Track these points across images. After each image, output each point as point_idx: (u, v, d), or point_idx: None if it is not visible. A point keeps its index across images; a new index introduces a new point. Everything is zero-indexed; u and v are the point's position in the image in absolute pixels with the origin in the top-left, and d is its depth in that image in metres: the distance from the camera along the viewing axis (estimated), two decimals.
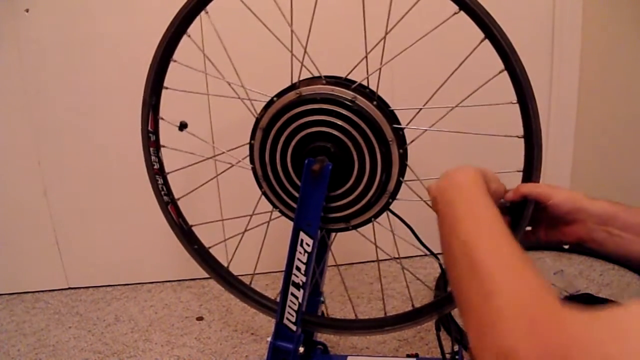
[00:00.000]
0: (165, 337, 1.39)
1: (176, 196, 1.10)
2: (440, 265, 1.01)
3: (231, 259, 1.12)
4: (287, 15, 0.90)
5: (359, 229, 0.97)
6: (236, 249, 1.09)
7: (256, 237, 1.06)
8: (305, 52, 0.90)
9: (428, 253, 0.96)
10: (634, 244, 0.68)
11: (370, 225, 0.97)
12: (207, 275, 1.13)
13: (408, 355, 1.17)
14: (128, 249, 1.62)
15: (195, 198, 1.13)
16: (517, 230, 0.78)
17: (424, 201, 0.89)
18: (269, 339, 1.00)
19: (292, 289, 0.96)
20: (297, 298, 0.96)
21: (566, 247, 1.64)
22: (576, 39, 1.53)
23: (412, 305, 1.02)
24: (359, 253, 1.62)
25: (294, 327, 0.98)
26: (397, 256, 1.06)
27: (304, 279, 0.95)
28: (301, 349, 0.99)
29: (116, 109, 1.46)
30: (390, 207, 0.94)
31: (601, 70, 1.57)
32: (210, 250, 1.13)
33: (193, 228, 1.12)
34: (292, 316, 0.98)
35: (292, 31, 0.91)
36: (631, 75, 1.59)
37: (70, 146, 1.51)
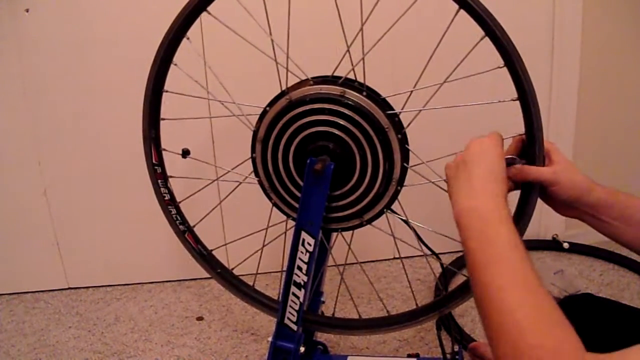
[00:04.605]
0: (165, 337, 1.39)
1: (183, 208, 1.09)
2: (442, 265, 1.01)
3: (255, 279, 1.11)
4: (265, 26, 0.91)
5: (373, 223, 0.96)
6: (258, 266, 1.09)
7: (257, 238, 1.06)
8: (287, 57, 0.91)
9: (430, 253, 0.96)
10: (623, 232, 0.72)
11: (369, 226, 0.96)
12: (207, 275, 1.13)
13: (409, 355, 1.18)
14: (128, 249, 1.62)
15: (196, 204, 1.12)
16: (523, 217, 0.81)
17: (432, 182, 0.88)
18: (270, 338, 1.00)
19: (293, 288, 0.96)
20: (298, 298, 0.97)
21: (566, 247, 1.64)
22: (576, 39, 1.53)
23: (440, 291, 0.99)
24: (359, 253, 1.61)
25: (295, 327, 0.98)
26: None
27: (305, 278, 0.95)
28: (302, 349, 0.99)
29: (116, 108, 1.46)
30: (393, 206, 0.94)
31: (601, 70, 1.58)
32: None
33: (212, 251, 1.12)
34: (293, 316, 0.98)
35: (272, 40, 0.92)
36: (631, 74, 1.59)
37: (70, 146, 1.51)
